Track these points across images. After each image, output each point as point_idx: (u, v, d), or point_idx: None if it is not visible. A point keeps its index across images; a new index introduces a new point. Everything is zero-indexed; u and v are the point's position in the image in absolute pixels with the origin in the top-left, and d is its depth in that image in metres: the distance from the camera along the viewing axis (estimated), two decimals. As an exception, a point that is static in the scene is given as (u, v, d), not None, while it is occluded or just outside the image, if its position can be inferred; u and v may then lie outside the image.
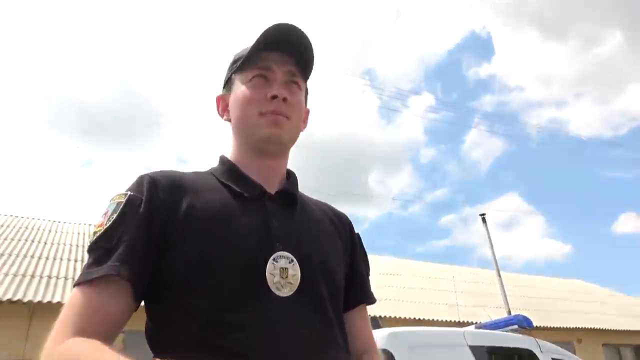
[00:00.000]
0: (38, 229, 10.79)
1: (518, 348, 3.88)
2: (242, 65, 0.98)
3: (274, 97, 0.93)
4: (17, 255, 8.98)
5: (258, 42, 0.95)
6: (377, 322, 3.95)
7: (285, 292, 0.83)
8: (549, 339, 4.37)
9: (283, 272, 0.84)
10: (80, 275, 0.80)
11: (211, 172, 0.98)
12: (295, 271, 0.85)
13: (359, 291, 1.05)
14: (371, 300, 1.07)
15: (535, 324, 11.59)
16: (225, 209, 0.87)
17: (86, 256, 0.85)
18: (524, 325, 4.23)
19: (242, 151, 0.99)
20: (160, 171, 0.92)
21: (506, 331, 4.21)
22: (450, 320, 9.54)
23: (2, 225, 10.46)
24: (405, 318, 10.11)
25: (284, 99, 0.94)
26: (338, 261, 0.97)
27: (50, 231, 10.86)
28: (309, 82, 1.06)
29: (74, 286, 0.81)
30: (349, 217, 1.11)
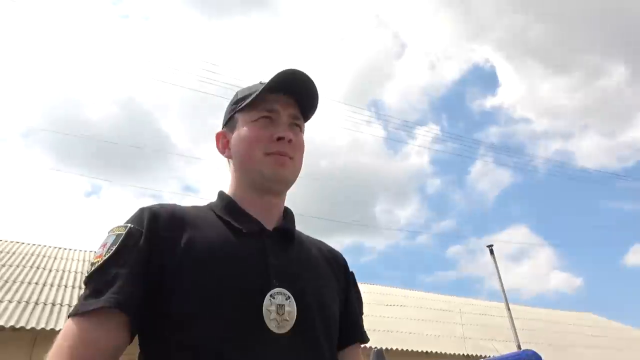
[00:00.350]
0: (42, 256, 10.77)
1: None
2: (247, 105, 1.00)
3: (281, 138, 0.96)
4: (21, 282, 8.94)
5: (269, 84, 0.98)
6: (382, 355, 3.86)
7: (282, 329, 0.83)
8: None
9: (280, 309, 0.84)
10: (76, 306, 0.79)
11: (210, 208, 0.98)
12: (291, 308, 0.85)
13: (352, 330, 1.05)
14: (364, 339, 1.07)
15: (546, 359, 11.32)
16: (224, 245, 0.88)
17: None
18: (534, 360, 4.11)
19: (243, 188, 1.00)
20: (161, 205, 0.92)
21: (516, 366, 4.09)
22: (459, 354, 9.32)
23: (5, 252, 10.46)
24: (412, 351, 9.89)
25: (289, 141, 0.96)
26: (333, 299, 0.98)
27: (54, 258, 10.85)
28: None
29: (68, 316, 0.80)
30: (343, 255, 1.12)
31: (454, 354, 9.32)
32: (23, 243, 11.36)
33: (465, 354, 8.92)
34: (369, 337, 1.07)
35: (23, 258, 10.32)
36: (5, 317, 7.08)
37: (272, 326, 0.82)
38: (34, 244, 11.50)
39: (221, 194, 1.01)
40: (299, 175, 1.03)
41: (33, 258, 10.48)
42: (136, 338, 0.86)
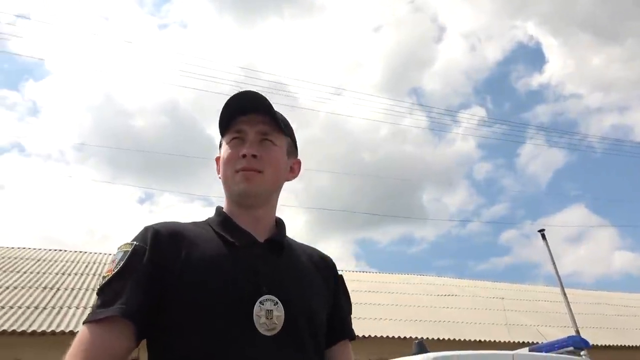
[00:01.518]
0: (104, 263, 11.44)
1: (573, 370, 3.71)
2: (221, 130, 1.11)
3: (244, 155, 1.04)
4: (87, 289, 9.56)
5: (223, 111, 1.08)
6: (424, 347, 3.91)
7: (271, 332, 0.93)
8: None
9: (268, 314, 0.94)
10: (89, 315, 0.92)
11: (208, 223, 1.09)
12: (279, 312, 0.95)
13: (340, 328, 1.14)
14: (351, 335, 1.16)
15: (609, 342, 10.86)
16: (218, 259, 0.98)
17: None
18: (580, 346, 4.04)
19: (231, 204, 1.10)
20: (163, 223, 1.04)
21: (561, 353, 4.03)
22: (513, 341, 9.14)
23: (70, 261, 11.19)
24: (464, 340, 9.80)
25: (253, 156, 1.04)
26: (320, 303, 1.07)
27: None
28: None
29: (83, 323, 0.93)
30: (333, 259, 1.20)
31: (508, 341, 9.15)
32: (85, 252, 12.11)
33: (520, 342, 8.74)
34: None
35: (87, 266, 11.02)
36: (74, 323, 7.61)
37: (262, 329, 0.92)
38: (96, 253, 12.24)
39: (218, 210, 1.12)
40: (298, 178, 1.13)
41: (95, 266, 11.17)
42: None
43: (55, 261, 11.44)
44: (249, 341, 0.91)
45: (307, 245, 1.20)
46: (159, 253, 0.96)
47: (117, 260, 0.97)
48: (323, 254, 1.20)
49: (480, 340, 9.84)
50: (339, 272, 1.20)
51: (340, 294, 1.16)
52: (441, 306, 12.58)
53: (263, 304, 0.94)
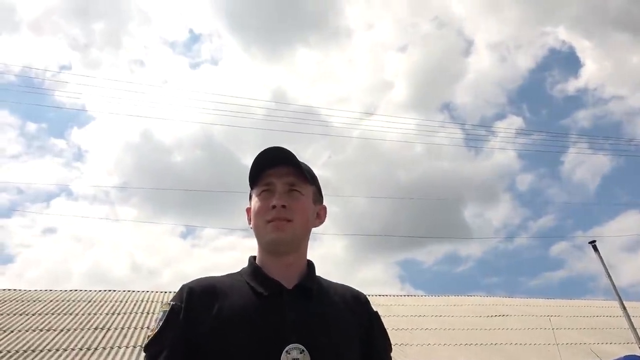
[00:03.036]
0: (152, 301, 11.71)
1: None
2: (251, 183, 1.18)
3: (274, 206, 1.11)
4: (136, 328, 9.79)
5: (252, 165, 1.15)
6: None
7: None
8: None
9: None
10: None
11: (241, 274, 1.15)
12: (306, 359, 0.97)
13: None
14: None
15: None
16: (246, 309, 1.04)
17: None
18: (637, 364, 3.79)
19: (262, 253, 1.16)
20: (198, 279, 1.11)
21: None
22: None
23: (119, 301, 11.51)
24: (518, 363, 9.36)
25: (283, 206, 1.11)
26: (350, 347, 1.08)
27: (161, 302, 11.73)
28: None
29: None
30: (366, 296, 1.23)
31: (565, 362, 8.67)
32: (133, 291, 12.44)
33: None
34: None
35: (135, 305, 11.30)
36: (123, 362, 7.77)
37: None
38: (143, 291, 12.55)
39: (250, 260, 1.18)
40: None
41: (143, 304, 11.44)
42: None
43: (105, 301, 11.80)
44: None
45: (340, 284, 1.22)
46: (193, 310, 1.04)
47: (158, 320, 1.06)
48: (356, 292, 1.22)
49: (535, 362, 9.38)
50: (375, 310, 1.22)
51: (375, 332, 1.18)
52: (492, 328, 12.10)
53: (290, 353, 0.97)
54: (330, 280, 1.22)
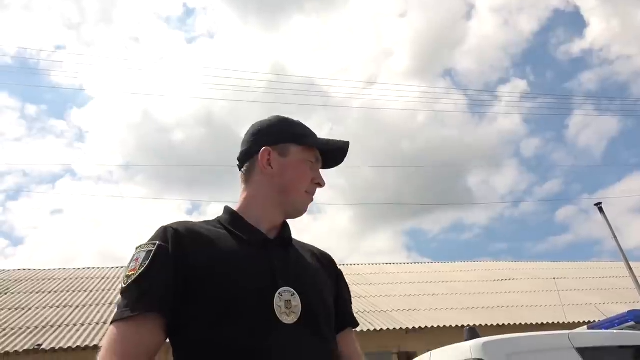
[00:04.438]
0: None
1: (635, 346, 3.56)
2: (302, 141, 1.21)
3: (320, 186, 1.21)
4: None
5: (327, 146, 1.23)
6: (475, 332, 3.87)
7: (290, 319, 1.01)
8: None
9: (287, 304, 1.02)
10: (117, 313, 0.98)
11: (219, 222, 1.16)
12: (297, 302, 1.03)
13: (344, 317, 1.22)
14: (354, 324, 1.25)
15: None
16: (236, 256, 1.06)
17: None
18: (641, 320, 3.87)
19: (266, 202, 1.17)
20: (179, 222, 1.11)
21: (623, 329, 3.88)
22: (574, 322, 8.81)
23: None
24: (523, 324, 9.55)
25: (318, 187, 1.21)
26: (329, 293, 1.16)
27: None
28: None
29: (111, 323, 0.99)
30: (332, 255, 1.30)
31: (569, 322, 8.82)
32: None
33: (582, 321, 8.40)
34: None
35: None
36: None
37: (283, 318, 1.00)
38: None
39: (227, 209, 1.20)
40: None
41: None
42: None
43: (118, 278, 12.03)
44: (272, 329, 0.99)
45: (307, 243, 1.28)
46: (181, 252, 1.02)
47: (140, 259, 1.01)
48: (323, 252, 1.28)
49: (540, 323, 9.56)
50: (340, 268, 1.29)
51: (342, 287, 1.25)
52: (499, 291, 12.29)
53: (282, 295, 1.02)
54: (298, 239, 1.26)
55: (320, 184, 1.20)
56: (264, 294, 1.01)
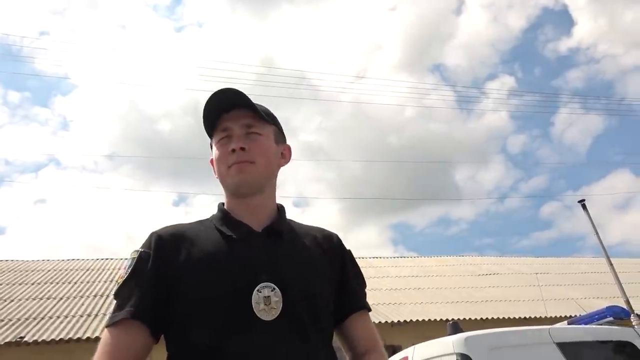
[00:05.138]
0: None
1: (614, 341, 3.64)
2: (208, 131, 1.17)
3: (233, 150, 1.11)
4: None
5: (204, 111, 1.14)
6: (458, 327, 3.92)
7: (269, 316, 0.99)
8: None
9: (266, 300, 1.00)
10: (108, 319, 1.03)
11: (210, 219, 1.16)
12: (277, 297, 1.01)
13: (352, 301, 1.19)
14: (362, 306, 1.21)
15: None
16: (215, 253, 1.05)
17: None
18: (620, 316, 3.93)
19: (230, 198, 1.17)
20: (166, 227, 1.12)
21: (601, 324, 3.95)
22: (556, 316, 8.97)
23: (116, 268, 11.64)
24: (507, 318, 9.68)
25: (242, 149, 1.11)
26: (322, 284, 1.11)
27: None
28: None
29: (104, 328, 1.04)
30: (339, 236, 1.24)
31: (552, 316, 8.98)
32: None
33: (564, 316, 8.55)
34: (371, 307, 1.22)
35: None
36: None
37: (261, 315, 0.98)
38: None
39: (219, 206, 1.19)
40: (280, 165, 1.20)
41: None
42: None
43: (103, 269, 11.95)
44: (249, 328, 0.98)
45: (312, 227, 1.24)
46: (161, 256, 1.05)
47: (127, 267, 1.07)
48: (328, 232, 1.24)
49: (522, 318, 9.70)
50: (347, 248, 1.24)
51: (348, 269, 1.21)
52: (483, 286, 12.44)
53: (260, 292, 1.00)
54: (303, 223, 1.24)
55: (232, 148, 1.10)
56: (241, 291, 1.00)
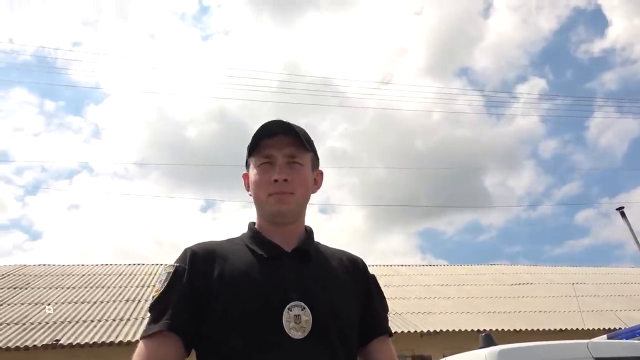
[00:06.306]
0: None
1: (657, 358, 3.48)
2: (251, 152, 1.19)
3: (276, 180, 1.12)
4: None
5: (255, 136, 1.16)
6: (491, 340, 3.82)
7: (299, 335, 1.01)
8: None
9: (297, 319, 1.02)
10: (144, 331, 1.05)
11: (242, 238, 1.19)
12: (307, 317, 1.03)
13: (374, 326, 1.20)
14: (385, 331, 1.22)
15: None
16: (248, 270, 1.08)
17: None
18: (663, 331, 3.77)
19: (262, 220, 1.19)
20: (200, 243, 1.16)
21: (643, 339, 3.79)
22: (593, 329, 8.64)
23: (148, 274, 11.86)
24: (541, 330, 9.40)
25: (285, 180, 1.12)
26: (349, 305, 1.13)
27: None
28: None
29: (139, 339, 1.06)
30: (364, 260, 1.26)
31: (588, 329, 8.65)
32: (161, 264, 12.78)
33: (602, 329, 8.24)
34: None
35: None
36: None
37: (292, 333, 1.00)
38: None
39: (249, 225, 1.22)
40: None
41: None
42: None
43: (135, 274, 12.20)
44: (280, 344, 1.00)
45: (337, 249, 1.27)
46: (197, 271, 1.08)
47: (162, 281, 1.10)
48: (354, 256, 1.26)
49: (558, 330, 9.40)
50: (371, 273, 1.26)
51: (373, 294, 1.23)
52: (515, 296, 12.12)
53: (291, 310, 1.02)
54: (329, 246, 1.26)
55: (275, 179, 1.11)
56: (273, 309, 1.02)
